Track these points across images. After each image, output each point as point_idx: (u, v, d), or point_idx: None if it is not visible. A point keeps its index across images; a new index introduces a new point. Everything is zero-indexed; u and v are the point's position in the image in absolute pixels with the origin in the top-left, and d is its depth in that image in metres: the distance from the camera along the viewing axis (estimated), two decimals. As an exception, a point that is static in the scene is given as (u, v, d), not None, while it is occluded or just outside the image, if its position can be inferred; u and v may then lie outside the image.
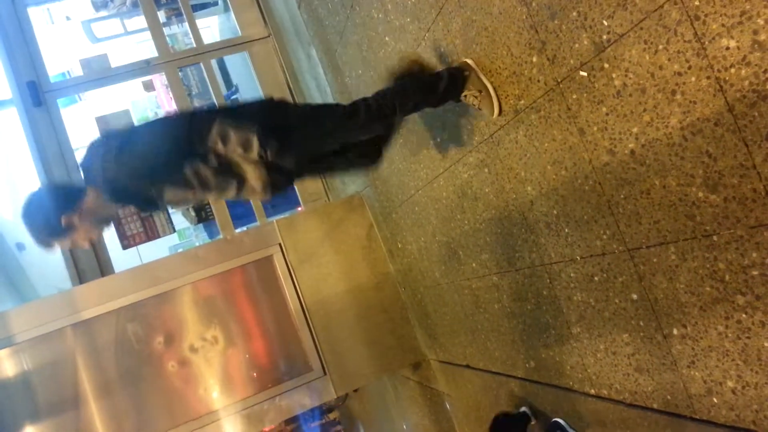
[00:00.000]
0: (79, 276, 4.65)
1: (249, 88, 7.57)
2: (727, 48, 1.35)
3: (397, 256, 4.23)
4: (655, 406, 2.00)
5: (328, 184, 5.19)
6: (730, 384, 1.65)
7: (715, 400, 1.72)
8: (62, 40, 8.23)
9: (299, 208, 5.69)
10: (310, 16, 4.33)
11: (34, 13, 5.38)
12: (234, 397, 4.08)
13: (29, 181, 5.35)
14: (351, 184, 4.72)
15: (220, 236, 4.91)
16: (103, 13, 8.02)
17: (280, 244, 4.29)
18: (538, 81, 2.03)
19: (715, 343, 1.66)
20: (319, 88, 4.68)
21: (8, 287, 6.41)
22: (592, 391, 2.34)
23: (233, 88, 8.70)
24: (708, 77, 1.41)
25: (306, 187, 5.29)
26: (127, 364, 3.97)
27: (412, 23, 2.79)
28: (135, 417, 3.95)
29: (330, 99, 4.47)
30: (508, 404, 3.20)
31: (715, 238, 1.54)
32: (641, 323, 1.93)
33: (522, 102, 2.17)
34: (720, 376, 1.67)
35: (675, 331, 1.80)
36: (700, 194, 1.53)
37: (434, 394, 4.51)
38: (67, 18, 8.72)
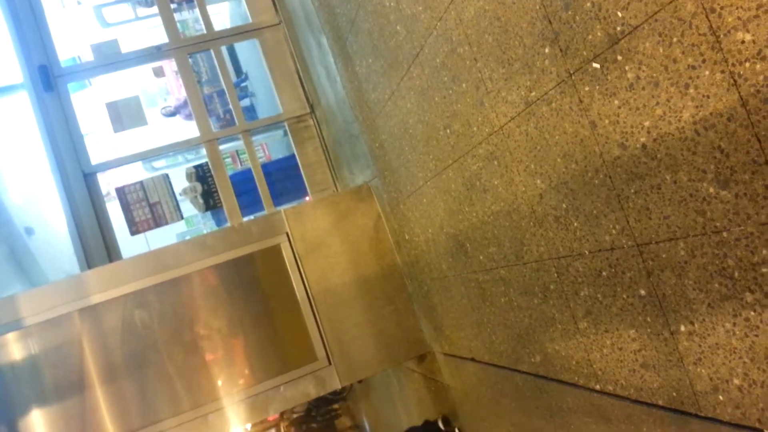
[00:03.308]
0: (88, 261, 4.68)
1: (259, 76, 7.56)
2: (743, 42, 1.33)
3: (404, 247, 4.22)
4: (660, 402, 1.99)
5: (336, 173, 5.18)
6: (736, 382, 1.63)
7: (720, 397, 1.71)
8: (73, 24, 8.24)
9: (307, 198, 5.69)
10: (321, 4, 4.31)
11: (46, -2, 5.37)
12: (239, 385, 4.10)
13: (38, 165, 5.37)
14: (359, 174, 4.71)
15: (228, 224, 4.92)
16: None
17: (287, 233, 4.29)
18: (551, 72, 2.01)
19: (723, 341, 1.64)
20: (329, 77, 4.67)
21: (17, 271, 6.45)
22: (598, 387, 2.33)
23: (243, 76, 8.70)
24: (722, 71, 1.39)
25: (314, 177, 5.29)
26: (134, 349, 3.99)
27: (425, 12, 2.77)
28: (140, 402, 3.97)
29: (339, 87, 4.46)
30: (513, 397, 3.20)
31: (725, 234, 1.52)
32: (648, 319, 1.92)
33: (533, 94, 2.15)
34: (726, 374, 1.66)
35: (682, 328, 1.78)
36: (711, 190, 1.52)
37: (438, 387, 4.52)
38: (78, 2, 8.72)
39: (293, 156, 5.40)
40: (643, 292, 1.90)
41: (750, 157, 1.38)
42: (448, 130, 2.91)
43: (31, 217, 6.79)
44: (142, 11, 8.29)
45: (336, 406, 8.71)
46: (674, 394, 1.90)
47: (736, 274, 1.52)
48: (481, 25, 2.34)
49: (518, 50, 2.16)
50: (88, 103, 7.22)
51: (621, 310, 2.04)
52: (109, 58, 5.20)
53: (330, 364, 4.21)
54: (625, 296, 2.00)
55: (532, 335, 2.75)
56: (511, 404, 3.26)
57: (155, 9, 5.49)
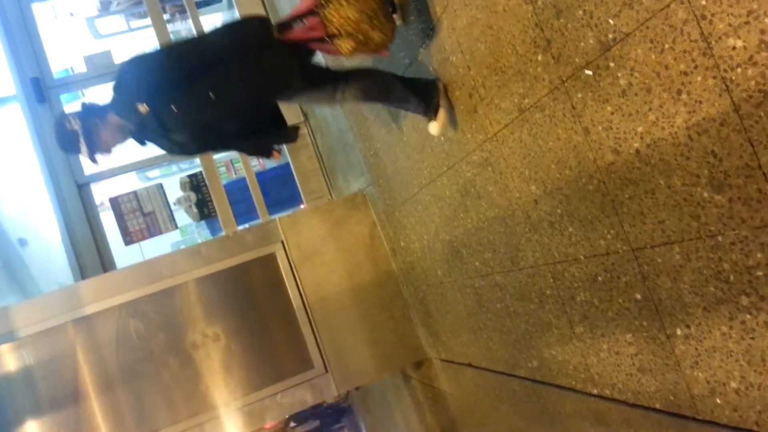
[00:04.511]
0: (82, 272, 4.66)
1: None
2: (734, 48, 1.34)
3: (400, 254, 4.23)
4: (657, 406, 1.99)
5: (330, 181, 5.19)
6: (733, 385, 1.64)
7: (718, 400, 1.72)
8: (66, 36, 8.23)
9: (302, 206, 5.69)
10: (313, 14, 4.32)
11: (39, 9, 5.37)
12: (235, 394, 4.08)
13: (32, 176, 5.36)
14: (354, 182, 4.72)
15: (223, 233, 4.92)
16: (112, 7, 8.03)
17: (282, 242, 4.29)
18: (543, 79, 2.03)
19: (719, 344, 1.65)
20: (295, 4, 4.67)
21: (11, 283, 6.42)
22: (595, 391, 2.34)
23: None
24: (714, 77, 1.41)
25: (309, 185, 5.29)
26: (129, 359, 3.97)
27: (416, 21, 2.79)
28: (136, 412, 3.95)
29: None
30: (510, 403, 3.20)
31: (719, 238, 1.53)
32: (644, 323, 1.93)
33: (526, 101, 2.16)
34: (723, 377, 1.67)
35: (678, 332, 1.79)
36: (705, 194, 1.53)
37: (436, 393, 4.51)
38: (71, 14, 8.71)
39: (287, 164, 5.40)
40: (638, 297, 1.91)
41: (743, 162, 1.40)
42: (442, 138, 2.93)
43: (25, 229, 6.76)
44: (135, 23, 8.29)
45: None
46: (671, 397, 1.91)
47: (732, 277, 1.54)
48: (474, 33, 2.35)
49: (511, 58, 2.17)
50: (81, 114, 7.20)
51: (617, 315, 2.05)
52: (102, 70, 5.20)
53: (327, 371, 4.21)
54: (620, 301, 2.01)
55: (529, 340, 2.75)
56: (508, 409, 3.26)
57: (148, 20, 5.50)
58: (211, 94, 2.35)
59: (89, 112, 2.37)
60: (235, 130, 2.61)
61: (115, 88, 2.39)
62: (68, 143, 2.35)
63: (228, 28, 2.51)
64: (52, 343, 3.90)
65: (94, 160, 2.37)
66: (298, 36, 2.52)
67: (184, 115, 2.38)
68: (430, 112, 2.78)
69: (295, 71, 2.55)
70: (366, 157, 4.23)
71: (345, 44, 2.49)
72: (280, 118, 2.79)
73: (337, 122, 4.61)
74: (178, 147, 2.56)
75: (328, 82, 2.73)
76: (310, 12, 2.47)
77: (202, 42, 2.50)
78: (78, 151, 2.34)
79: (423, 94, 2.75)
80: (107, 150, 2.42)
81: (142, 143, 2.51)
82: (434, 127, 2.81)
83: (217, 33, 2.50)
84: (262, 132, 2.73)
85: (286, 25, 2.53)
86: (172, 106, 2.33)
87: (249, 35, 2.47)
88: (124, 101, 2.36)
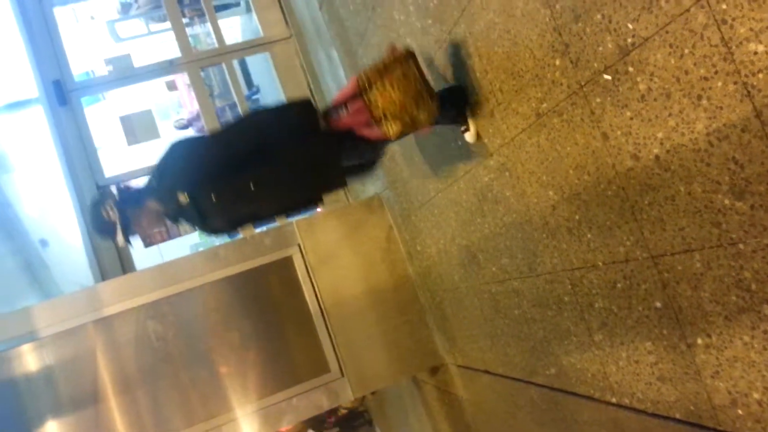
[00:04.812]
0: (101, 273, 4.70)
1: (270, 89, 7.61)
2: (755, 53, 1.32)
3: (416, 258, 4.22)
4: (677, 416, 1.96)
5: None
6: (755, 396, 1.61)
7: (740, 411, 1.68)
8: (86, 39, 8.34)
9: (318, 209, 5.69)
10: (331, 17, 4.33)
11: (60, 13, 5.45)
12: (251, 397, 4.10)
13: (53, 178, 5.43)
14: (371, 185, 4.72)
15: (240, 236, 4.94)
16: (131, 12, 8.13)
17: (299, 245, 4.30)
18: (561, 84, 2.01)
19: (741, 354, 1.62)
20: (339, 89, 4.68)
21: (32, 283, 6.50)
22: (614, 400, 2.31)
23: (255, 88, 8.75)
24: (735, 82, 1.38)
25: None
26: (147, 361, 4.00)
27: (434, 25, 2.78)
28: (154, 414, 3.98)
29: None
30: (527, 410, 3.17)
31: (741, 246, 1.50)
32: (664, 332, 1.90)
33: (544, 105, 2.14)
34: (745, 388, 1.64)
35: (699, 341, 1.76)
36: (726, 201, 1.50)
37: (452, 399, 4.49)
38: (92, 17, 8.83)
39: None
40: (658, 305, 1.89)
41: (765, 168, 1.37)
42: (459, 142, 2.91)
43: (46, 230, 6.84)
44: (155, 26, 8.37)
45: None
46: (692, 407, 1.88)
47: (753, 286, 1.51)
48: (491, 37, 2.34)
49: (528, 62, 2.15)
50: (102, 117, 7.29)
51: (636, 323, 2.02)
52: (123, 73, 5.25)
53: (342, 375, 4.20)
54: (640, 308, 1.98)
55: (547, 347, 2.72)
56: (525, 417, 3.23)
57: (167, 24, 5.55)
58: (252, 186, 2.32)
59: (126, 200, 2.34)
60: (275, 214, 2.62)
61: (157, 174, 2.37)
62: (104, 231, 2.33)
63: (275, 117, 2.47)
64: (71, 344, 3.94)
65: (129, 244, 2.36)
66: (345, 124, 2.48)
67: (224, 205, 2.35)
68: (460, 121, 2.74)
69: (339, 168, 2.53)
70: (382, 160, 4.23)
71: (392, 127, 2.43)
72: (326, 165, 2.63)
73: (355, 126, 4.61)
74: (212, 231, 2.53)
75: (373, 161, 2.79)
76: (355, 95, 2.42)
77: (246, 131, 2.43)
78: (114, 238, 2.32)
79: (450, 105, 2.68)
80: (143, 235, 2.41)
81: (176, 221, 2.49)
82: (471, 136, 2.74)
83: (263, 121, 2.45)
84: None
85: (331, 111, 2.49)
86: (212, 196, 2.31)
87: (295, 126, 2.42)
88: (165, 189, 2.34)
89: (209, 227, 2.45)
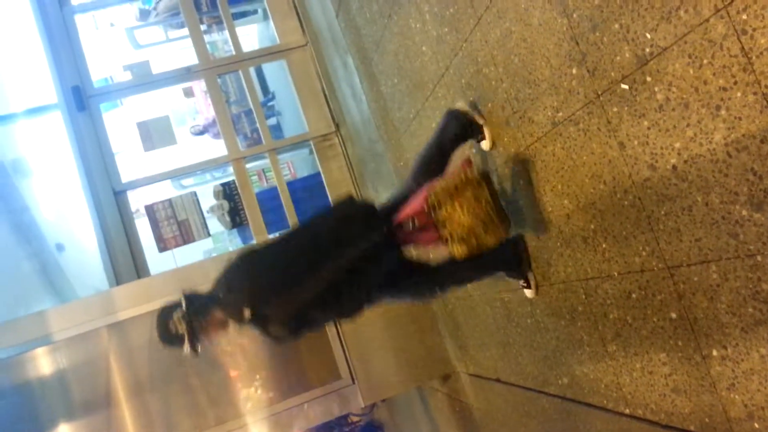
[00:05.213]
0: (116, 277, 4.74)
1: (286, 95, 7.65)
2: (776, 63, 1.31)
3: (429, 266, 4.21)
4: (692, 428, 1.94)
5: (360, 191, 5.20)
6: (772, 409, 1.59)
7: (756, 425, 1.66)
8: (106, 45, 8.44)
9: (332, 216, 5.69)
10: (347, 25, 4.36)
11: (81, 20, 5.52)
12: (263, 403, 4.10)
13: (70, 183, 5.48)
14: (384, 192, 4.72)
15: (254, 241, 4.96)
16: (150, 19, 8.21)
17: (312, 251, 4.30)
18: (578, 93, 2.01)
19: (757, 366, 1.60)
20: (354, 97, 4.70)
21: (48, 287, 6.55)
22: (627, 411, 2.29)
23: (270, 95, 8.80)
24: (755, 93, 1.37)
25: (339, 194, 5.30)
26: (160, 365, 4.02)
27: (450, 33, 2.79)
28: (165, 418, 4.00)
29: (364, 106, 4.49)
30: (539, 420, 3.15)
31: (759, 258, 1.49)
32: (680, 343, 1.88)
33: (560, 114, 2.14)
34: (762, 401, 1.62)
35: (714, 353, 1.75)
36: (744, 212, 1.49)
37: (463, 407, 4.47)
38: (111, 24, 8.93)
39: (318, 174, 5.43)
40: (674, 315, 1.87)
41: (784, 180, 1.36)
42: (474, 150, 2.91)
43: (62, 234, 6.90)
44: (173, 33, 8.45)
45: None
46: (707, 420, 1.86)
47: (771, 298, 1.49)
48: (507, 46, 2.34)
49: (545, 71, 2.16)
50: (120, 123, 7.35)
51: (651, 333, 2.01)
52: (141, 79, 5.31)
53: (353, 382, 4.20)
54: (655, 319, 1.97)
55: (560, 357, 2.71)
56: (537, 427, 3.21)
57: (186, 31, 5.60)
58: (313, 304, 2.36)
59: (194, 311, 2.37)
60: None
61: (224, 287, 2.40)
62: (171, 342, 2.37)
63: (338, 228, 2.44)
64: (86, 348, 3.97)
65: (195, 354, 2.38)
66: (410, 240, 2.49)
67: (286, 320, 2.39)
68: (520, 277, 2.75)
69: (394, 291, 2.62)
70: (396, 167, 4.24)
71: (458, 250, 2.39)
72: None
73: (368, 132, 4.63)
74: (275, 339, 2.54)
75: (423, 284, 2.75)
76: (423, 212, 2.39)
77: (311, 249, 2.40)
78: (181, 347, 2.35)
79: (509, 260, 2.70)
80: (209, 342, 2.45)
81: (239, 327, 2.51)
82: (531, 292, 2.76)
83: (323, 231, 2.44)
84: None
85: (396, 225, 2.46)
86: (274, 313, 2.35)
87: (364, 244, 2.39)
88: (231, 303, 2.37)
89: (272, 336, 2.48)
